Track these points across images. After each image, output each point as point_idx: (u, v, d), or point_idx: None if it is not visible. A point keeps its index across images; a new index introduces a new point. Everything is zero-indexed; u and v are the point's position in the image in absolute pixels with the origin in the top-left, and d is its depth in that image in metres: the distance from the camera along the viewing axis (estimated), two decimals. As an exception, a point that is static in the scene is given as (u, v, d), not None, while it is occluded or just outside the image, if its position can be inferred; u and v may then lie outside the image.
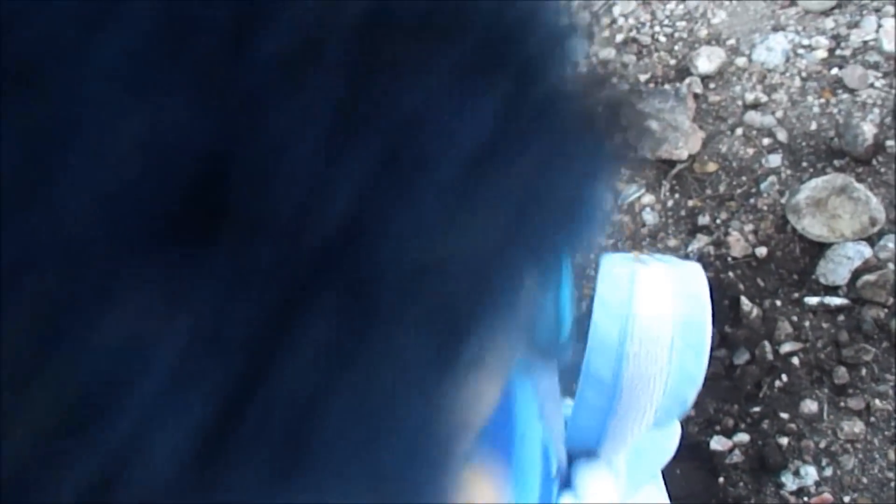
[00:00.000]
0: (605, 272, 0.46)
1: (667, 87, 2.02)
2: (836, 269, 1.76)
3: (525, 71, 0.22)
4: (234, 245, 0.15)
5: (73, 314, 0.14)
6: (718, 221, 1.87)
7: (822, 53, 2.02)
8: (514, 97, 0.21)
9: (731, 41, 2.07)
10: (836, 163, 1.88)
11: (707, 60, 2.01)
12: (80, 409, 0.15)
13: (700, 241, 1.85)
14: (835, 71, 1.99)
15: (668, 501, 0.59)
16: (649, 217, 1.89)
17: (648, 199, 1.90)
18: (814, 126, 1.92)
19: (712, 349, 0.46)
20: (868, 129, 1.86)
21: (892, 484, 1.62)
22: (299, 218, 0.16)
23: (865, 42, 2.02)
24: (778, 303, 1.78)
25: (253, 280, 0.15)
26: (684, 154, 1.90)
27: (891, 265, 1.76)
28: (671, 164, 1.91)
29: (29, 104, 0.14)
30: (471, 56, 0.19)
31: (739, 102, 1.97)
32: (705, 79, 2.01)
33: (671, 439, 0.56)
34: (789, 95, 1.97)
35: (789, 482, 1.64)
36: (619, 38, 2.11)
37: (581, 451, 0.45)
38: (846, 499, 1.62)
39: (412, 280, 0.17)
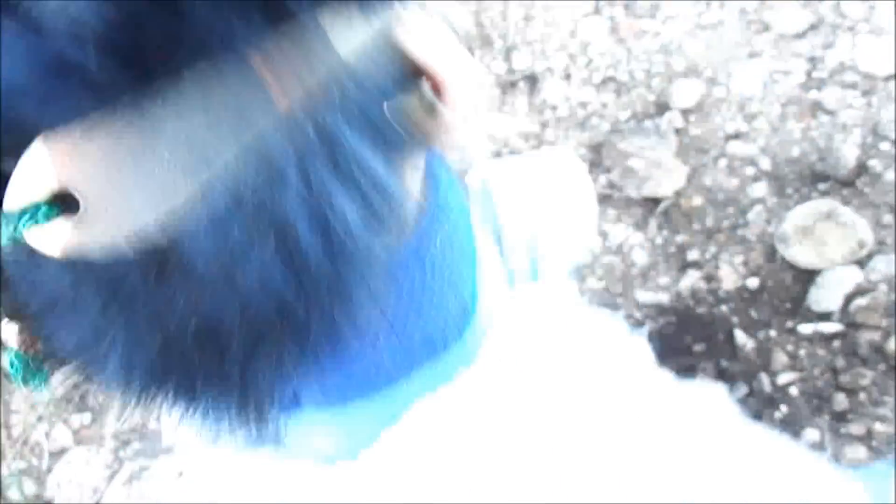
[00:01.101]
0: None
1: (647, 122, 2.03)
2: (828, 295, 1.77)
3: None
4: None
5: None
6: (708, 255, 1.88)
7: (799, 77, 2.03)
8: None
9: (708, 72, 2.09)
10: (821, 186, 1.90)
11: (686, 94, 2.03)
12: None
13: (691, 277, 1.87)
14: (813, 94, 2.00)
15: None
16: (639, 256, 1.91)
17: (637, 238, 1.92)
18: (796, 151, 1.94)
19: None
20: (850, 151, 1.87)
21: (900, 509, 1.62)
22: None
23: (842, 63, 2.04)
24: (772, 333, 1.79)
25: None
26: (669, 190, 1.91)
27: (882, 287, 1.77)
28: (657, 201, 1.93)
29: None
30: None
31: (720, 133, 1.99)
32: (685, 112, 2.02)
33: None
34: (769, 122, 1.98)
35: (797, 514, 1.65)
36: (597, 77, 2.13)
37: None
38: (855, 527, 1.63)
39: None
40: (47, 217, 0.29)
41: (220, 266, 0.28)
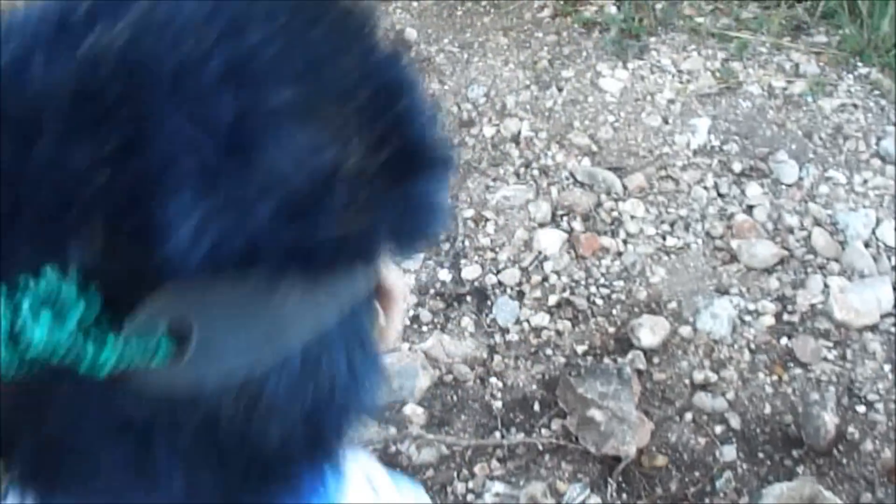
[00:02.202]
0: None
1: (607, 361, 1.85)
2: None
3: None
4: None
5: None
6: (673, 530, 1.68)
7: (769, 320, 1.88)
8: None
9: (673, 304, 1.92)
10: (795, 453, 1.73)
11: (650, 332, 1.86)
12: None
13: (654, 557, 1.66)
14: (784, 341, 1.85)
15: None
16: (597, 526, 1.69)
17: (594, 500, 1.71)
18: (768, 409, 1.77)
19: None
20: (829, 419, 1.71)
21: None
22: None
23: (813, 306, 1.90)
24: None
25: None
26: (632, 449, 1.71)
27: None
28: (617, 459, 1.73)
29: None
30: None
31: (687, 381, 1.81)
32: (649, 353, 1.85)
33: None
34: (739, 372, 1.82)
35: None
36: (553, 299, 1.94)
37: None
38: None
39: None
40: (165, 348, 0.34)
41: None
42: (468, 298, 1.97)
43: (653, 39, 2.44)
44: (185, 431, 0.36)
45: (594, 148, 2.20)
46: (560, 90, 2.35)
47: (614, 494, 1.71)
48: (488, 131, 2.29)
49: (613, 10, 2.52)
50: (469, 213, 2.12)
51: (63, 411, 0.35)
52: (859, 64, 2.32)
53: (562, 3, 2.57)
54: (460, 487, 1.70)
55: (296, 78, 0.35)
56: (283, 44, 0.35)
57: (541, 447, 1.75)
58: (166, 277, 0.32)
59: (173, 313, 0.33)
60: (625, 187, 2.12)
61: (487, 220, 2.10)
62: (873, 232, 1.99)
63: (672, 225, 2.04)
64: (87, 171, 0.31)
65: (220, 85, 0.33)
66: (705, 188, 2.10)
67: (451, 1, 2.70)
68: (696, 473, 1.73)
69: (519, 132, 2.26)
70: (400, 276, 0.45)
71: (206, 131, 0.32)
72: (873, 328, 1.85)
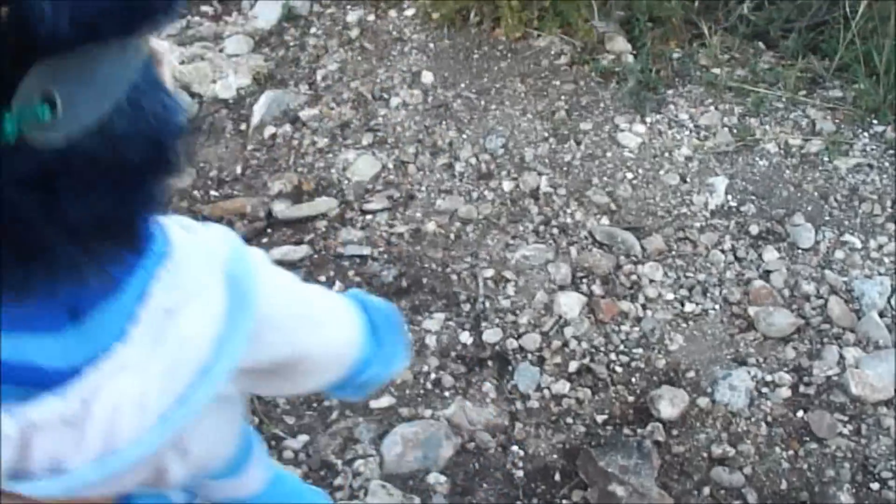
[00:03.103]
0: None
1: (627, 431, 1.88)
2: None
3: None
4: None
5: None
6: None
7: (785, 392, 1.92)
8: None
9: (691, 374, 1.96)
10: (811, 532, 1.77)
11: (669, 404, 1.89)
12: None
13: None
14: (800, 414, 1.89)
15: None
16: None
17: (615, 575, 1.75)
18: (784, 485, 1.81)
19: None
20: (844, 500, 1.76)
21: None
22: None
23: (829, 378, 1.94)
24: None
25: None
26: (652, 525, 1.75)
27: None
28: (638, 534, 1.77)
29: None
30: None
31: (705, 454, 1.85)
32: (668, 424, 1.88)
33: None
34: (756, 446, 1.85)
35: None
36: (573, 366, 1.97)
37: None
38: None
39: None
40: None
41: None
42: (489, 363, 2.00)
43: (670, 92, 2.45)
44: (73, 169, 0.48)
45: (613, 206, 2.22)
46: (578, 144, 2.36)
47: (634, 569, 1.75)
48: (507, 185, 2.30)
49: (630, 59, 2.53)
50: (489, 272, 2.14)
51: None
52: (875, 122, 2.34)
53: (579, 50, 2.58)
54: (484, 561, 1.73)
55: None
56: None
57: (562, 520, 1.78)
58: (39, 56, 0.44)
59: (44, 85, 0.45)
60: (643, 249, 2.14)
61: (508, 280, 2.12)
62: (889, 301, 2.02)
63: (690, 290, 2.07)
64: None
65: None
66: (723, 251, 2.13)
67: (468, 44, 2.70)
68: (714, 549, 1.77)
69: (538, 187, 2.28)
70: (158, 42, 0.59)
71: None
72: (887, 403, 1.89)
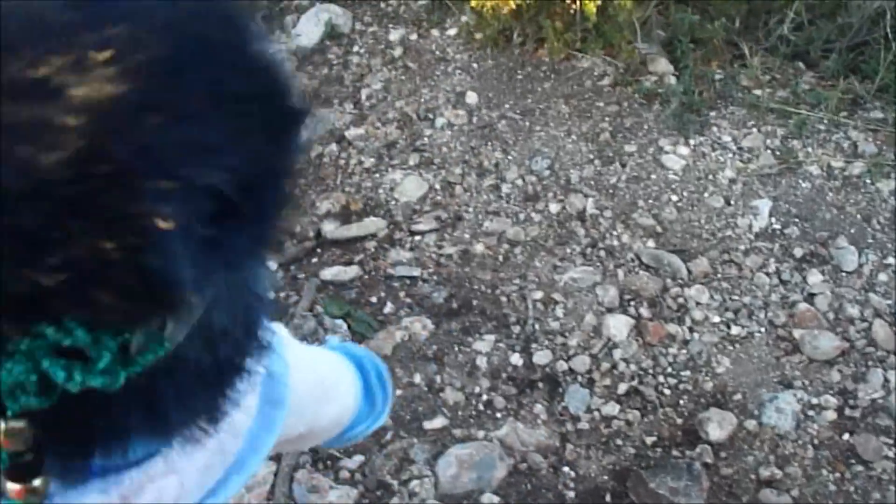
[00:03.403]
0: None
1: (675, 453, 1.93)
2: None
3: None
4: None
5: None
6: None
7: (831, 415, 1.96)
8: None
9: (738, 396, 2.00)
10: (857, 552, 1.82)
11: (717, 427, 1.94)
12: None
13: None
14: (846, 437, 1.93)
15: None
16: None
17: None
18: (831, 507, 1.86)
19: None
20: (889, 522, 1.80)
21: None
22: None
23: (874, 400, 1.98)
24: None
25: None
26: (702, 546, 1.80)
27: None
28: (688, 554, 1.82)
29: None
30: None
31: (753, 476, 1.90)
32: (716, 447, 1.93)
33: None
34: (803, 468, 1.90)
35: None
36: (622, 388, 2.03)
37: None
38: None
39: None
40: None
41: None
42: (540, 385, 2.06)
43: (713, 114, 2.49)
44: (179, 375, 0.46)
45: (658, 229, 2.27)
46: (623, 166, 2.41)
47: (685, 588, 1.81)
48: (554, 207, 2.35)
49: (673, 80, 2.57)
50: (538, 294, 2.19)
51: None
52: (916, 144, 2.37)
53: (622, 71, 2.62)
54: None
55: None
56: None
57: (614, 541, 1.84)
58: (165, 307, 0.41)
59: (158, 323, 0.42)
60: (689, 272, 2.19)
61: (556, 302, 2.17)
62: (932, 324, 2.06)
63: (736, 313, 2.12)
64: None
65: None
66: (767, 274, 2.17)
67: (511, 64, 2.75)
68: (763, 569, 1.82)
69: (584, 209, 2.33)
70: None
71: None
72: (932, 426, 1.93)
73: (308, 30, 3.24)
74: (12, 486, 0.42)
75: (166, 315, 0.42)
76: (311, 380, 0.78)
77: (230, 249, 0.42)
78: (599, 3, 2.51)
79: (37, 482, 0.42)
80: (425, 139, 2.63)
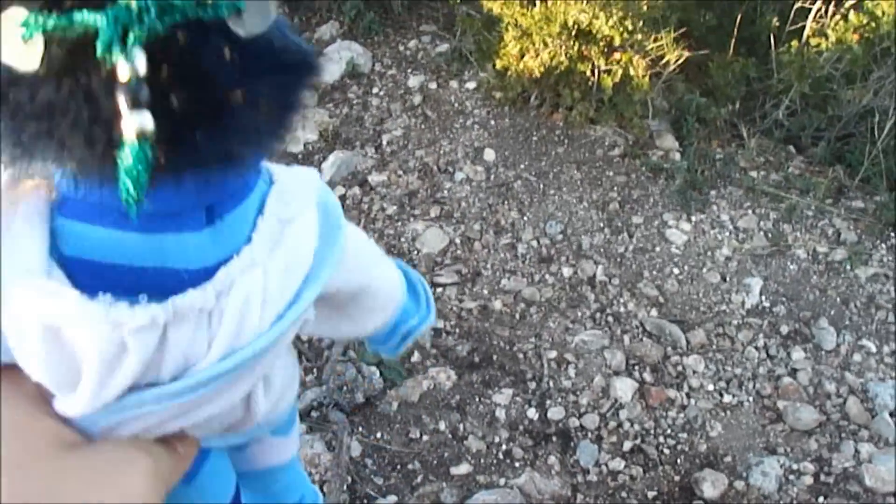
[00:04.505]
0: None
1: (673, 508, 2.18)
2: None
3: None
4: None
5: None
6: None
7: (808, 479, 2.23)
8: None
9: (728, 458, 2.26)
10: None
11: (711, 486, 2.19)
12: None
13: None
14: (821, 500, 2.20)
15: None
16: None
17: None
18: (805, 564, 2.12)
19: None
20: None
21: None
22: None
23: (846, 469, 2.25)
24: None
25: None
26: None
27: None
28: None
29: None
30: None
31: (740, 533, 2.15)
32: (710, 503, 2.18)
33: None
34: (783, 529, 2.16)
35: None
36: (627, 445, 2.26)
37: None
38: None
39: None
40: None
41: None
42: (554, 438, 2.28)
43: (713, 193, 2.74)
44: (252, 60, 0.52)
45: (661, 299, 2.51)
46: (630, 236, 2.65)
47: None
48: (566, 271, 2.58)
49: (677, 156, 2.81)
50: (552, 353, 2.42)
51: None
52: (892, 234, 2.65)
53: (631, 143, 2.85)
54: None
55: None
56: None
57: (618, 586, 2.08)
58: None
59: None
60: (688, 342, 2.43)
61: (569, 362, 2.40)
62: (897, 403, 2.34)
63: (728, 382, 2.37)
64: None
65: None
66: (756, 348, 2.43)
67: (527, 125, 2.96)
68: None
69: (594, 276, 2.56)
70: None
71: None
72: (895, 495, 2.21)
73: (329, 66, 3.37)
74: (131, 124, 0.47)
75: None
76: (363, 237, 0.81)
77: None
78: (617, 80, 2.73)
79: (148, 122, 0.47)
80: (445, 192, 2.83)
